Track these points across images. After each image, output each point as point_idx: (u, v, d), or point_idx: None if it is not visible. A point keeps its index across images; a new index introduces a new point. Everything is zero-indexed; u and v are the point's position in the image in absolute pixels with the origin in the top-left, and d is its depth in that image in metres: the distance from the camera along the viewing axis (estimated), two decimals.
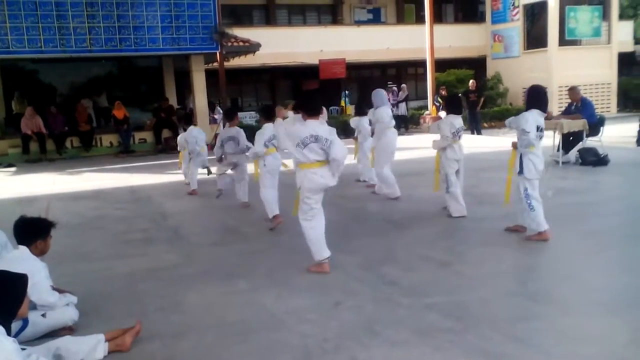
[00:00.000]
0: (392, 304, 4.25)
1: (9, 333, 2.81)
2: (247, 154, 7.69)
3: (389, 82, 25.29)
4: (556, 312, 3.99)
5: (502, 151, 11.44)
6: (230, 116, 8.36)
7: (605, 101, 24.54)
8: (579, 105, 10.89)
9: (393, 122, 8.48)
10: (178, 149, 10.39)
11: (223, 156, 8.04)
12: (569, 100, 11.46)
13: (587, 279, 4.70)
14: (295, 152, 4.91)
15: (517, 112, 6.11)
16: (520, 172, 5.72)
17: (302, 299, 4.45)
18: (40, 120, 15.69)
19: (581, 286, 4.51)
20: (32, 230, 4.09)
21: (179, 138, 10.35)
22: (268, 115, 7.29)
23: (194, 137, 9.59)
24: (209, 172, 10.64)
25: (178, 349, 3.68)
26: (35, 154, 15.57)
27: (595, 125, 10.78)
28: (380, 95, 8.48)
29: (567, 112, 11.12)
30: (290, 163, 6.74)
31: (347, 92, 23.62)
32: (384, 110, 8.32)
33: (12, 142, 15.94)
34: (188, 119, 10.12)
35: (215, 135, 16.92)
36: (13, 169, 14.18)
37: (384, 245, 5.92)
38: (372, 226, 6.82)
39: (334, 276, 4.95)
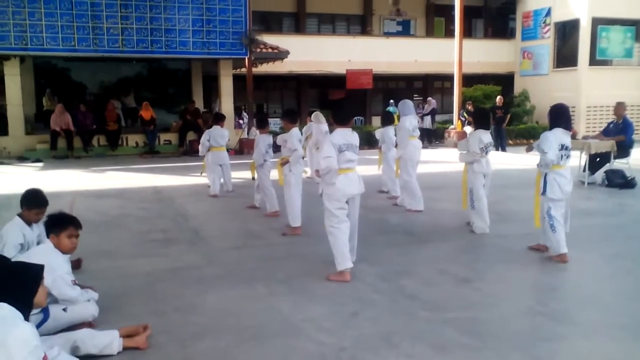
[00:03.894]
0: (410, 317, 4.23)
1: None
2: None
3: (415, 95, 25.22)
4: (577, 333, 3.93)
5: (527, 169, 11.33)
6: (262, 124, 8.24)
7: (635, 123, 24.13)
8: (618, 123, 10.68)
9: (417, 133, 8.48)
10: (200, 153, 10.20)
11: (265, 160, 7.93)
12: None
13: (610, 301, 4.62)
14: (335, 159, 4.93)
15: (543, 130, 6.06)
16: (544, 192, 5.64)
17: (319, 307, 4.44)
18: (69, 117, 15.92)
19: (603, 309, 4.43)
20: (45, 225, 4.17)
21: (201, 140, 10.25)
22: (293, 118, 7.26)
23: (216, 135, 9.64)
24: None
25: (194, 350, 3.69)
26: (62, 151, 15.79)
27: (626, 147, 10.62)
28: (406, 104, 8.51)
29: (606, 132, 10.87)
30: (308, 170, 6.75)
31: (392, 101, 23.48)
32: (407, 118, 8.34)
33: (41, 137, 16.19)
34: (217, 118, 10.10)
35: (240, 141, 17.08)
36: (40, 164, 14.42)
37: (404, 257, 5.89)
38: (392, 238, 6.79)
39: (352, 286, 4.94)
